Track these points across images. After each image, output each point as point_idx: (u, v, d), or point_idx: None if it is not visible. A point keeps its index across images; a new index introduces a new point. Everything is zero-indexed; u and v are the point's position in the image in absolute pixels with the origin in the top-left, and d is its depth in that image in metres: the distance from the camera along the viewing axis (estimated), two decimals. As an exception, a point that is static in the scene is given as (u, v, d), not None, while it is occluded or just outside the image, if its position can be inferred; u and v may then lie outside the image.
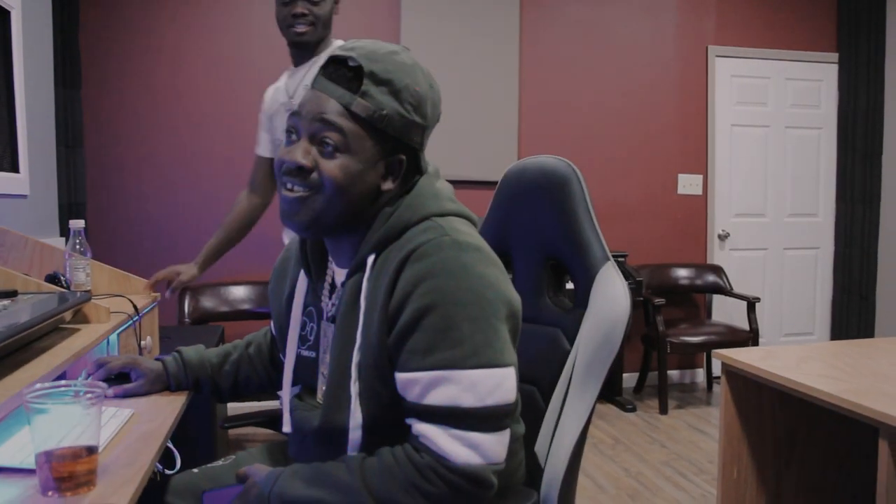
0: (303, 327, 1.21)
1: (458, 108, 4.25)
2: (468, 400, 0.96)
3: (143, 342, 1.90)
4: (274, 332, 1.32)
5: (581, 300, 1.32)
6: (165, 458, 2.15)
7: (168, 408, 1.27)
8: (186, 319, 3.39)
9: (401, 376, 1.00)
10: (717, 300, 4.78)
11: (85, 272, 2.02)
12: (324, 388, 1.13)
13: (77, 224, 2.05)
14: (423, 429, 0.98)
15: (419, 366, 0.98)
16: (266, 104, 2.36)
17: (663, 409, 4.13)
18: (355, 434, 1.05)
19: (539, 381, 1.37)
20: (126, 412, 1.22)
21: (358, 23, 4.06)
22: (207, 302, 3.47)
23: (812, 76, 4.87)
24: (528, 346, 1.42)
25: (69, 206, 3.64)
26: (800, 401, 1.72)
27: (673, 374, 4.79)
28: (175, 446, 2.07)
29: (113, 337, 1.75)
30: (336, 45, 2.17)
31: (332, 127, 1.02)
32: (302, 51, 2.22)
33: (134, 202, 3.92)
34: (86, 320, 1.66)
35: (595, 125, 4.58)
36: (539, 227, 1.43)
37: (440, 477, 0.95)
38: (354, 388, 1.04)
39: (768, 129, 4.84)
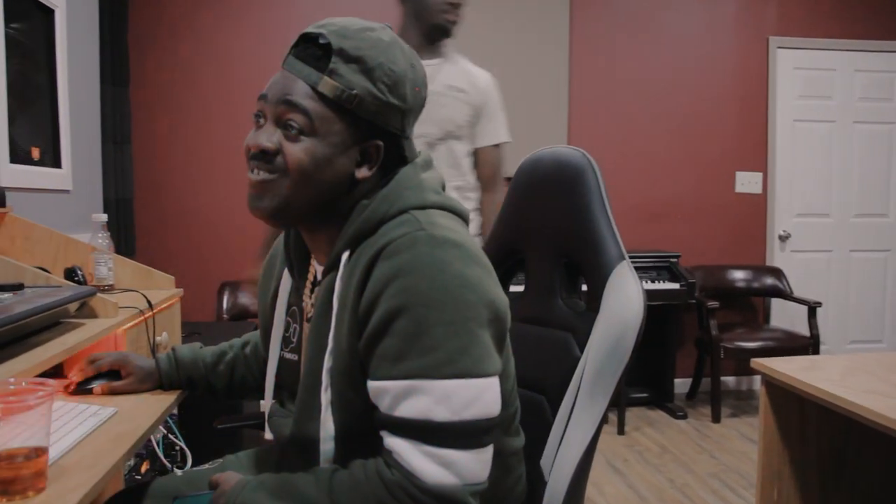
0: (286, 328, 1.14)
1: (506, 102, 4.14)
2: (441, 413, 0.87)
3: (158, 338, 1.87)
4: (260, 333, 1.26)
5: (593, 302, 1.22)
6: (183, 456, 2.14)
7: (154, 408, 1.22)
8: (224, 315, 3.40)
9: (371, 385, 0.92)
10: (777, 304, 4.54)
11: (107, 266, 2.01)
12: None
13: (100, 218, 2.05)
14: (393, 443, 0.89)
15: (389, 374, 0.89)
16: None
17: (716, 418, 3.95)
18: (327, 445, 0.97)
19: (548, 389, 1.27)
20: (109, 411, 1.18)
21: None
22: (245, 298, 3.47)
23: (884, 67, 4.56)
24: (538, 352, 1.32)
25: (116, 202, 3.70)
26: (848, 418, 1.56)
27: (729, 380, 4.58)
28: (188, 446, 2.05)
29: (122, 332, 1.73)
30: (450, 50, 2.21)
31: (297, 108, 0.94)
32: (436, 41, 2.18)
33: (181, 198, 3.97)
34: (94, 315, 1.64)
35: (648, 119, 4.40)
36: (552, 223, 1.33)
37: (410, 496, 0.86)
38: (326, 396, 0.96)
39: (834, 125, 4.56)
